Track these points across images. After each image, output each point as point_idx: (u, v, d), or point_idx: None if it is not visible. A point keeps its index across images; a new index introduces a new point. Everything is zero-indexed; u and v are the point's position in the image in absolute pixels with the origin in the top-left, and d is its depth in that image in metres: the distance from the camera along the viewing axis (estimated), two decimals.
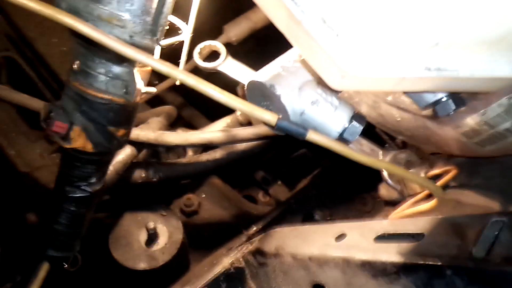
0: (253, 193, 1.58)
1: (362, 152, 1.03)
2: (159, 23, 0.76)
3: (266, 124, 0.65)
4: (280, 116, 0.64)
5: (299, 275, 0.81)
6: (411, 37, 0.48)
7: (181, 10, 1.04)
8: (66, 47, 1.41)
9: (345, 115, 0.67)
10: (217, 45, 1.00)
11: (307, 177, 1.42)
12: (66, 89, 0.82)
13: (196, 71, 0.93)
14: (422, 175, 1.00)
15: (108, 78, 0.79)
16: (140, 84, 0.83)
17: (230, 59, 1.01)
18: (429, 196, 0.89)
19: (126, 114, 0.84)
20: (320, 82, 0.62)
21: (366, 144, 1.09)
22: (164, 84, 1.47)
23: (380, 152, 1.09)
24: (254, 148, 1.32)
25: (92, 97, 0.79)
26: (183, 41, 0.99)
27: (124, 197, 1.31)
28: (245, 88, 0.73)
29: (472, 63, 0.52)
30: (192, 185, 1.46)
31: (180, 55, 1.02)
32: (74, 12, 0.70)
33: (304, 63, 0.67)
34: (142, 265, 1.18)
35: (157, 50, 0.88)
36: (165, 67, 0.68)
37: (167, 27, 0.79)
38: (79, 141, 0.82)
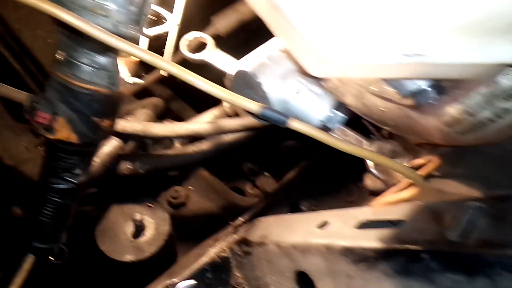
0: (241, 185, 1.58)
1: (344, 140, 1.04)
2: (143, 12, 0.76)
3: (248, 112, 0.66)
4: (262, 105, 0.64)
5: (283, 263, 0.82)
6: (386, 23, 0.49)
7: (169, 2, 1.04)
8: (52, 39, 1.39)
9: (327, 104, 0.67)
10: (203, 36, 1.00)
11: (294, 168, 1.42)
12: (50, 79, 0.82)
13: (186, 65, 0.93)
14: (406, 164, 1.01)
15: (92, 69, 0.79)
16: (124, 74, 0.83)
17: (217, 50, 1.00)
18: (411, 185, 0.90)
19: (111, 105, 0.84)
20: (303, 71, 0.63)
21: (351, 135, 1.10)
22: (152, 76, 1.47)
23: (366, 143, 1.10)
24: (241, 139, 1.33)
25: (76, 87, 0.79)
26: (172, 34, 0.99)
27: (111, 190, 1.31)
28: (229, 77, 0.73)
29: (447, 49, 0.53)
30: (180, 177, 1.47)
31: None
32: (57, 1, 0.70)
33: (287, 52, 0.68)
34: (129, 257, 1.19)
35: (144, 42, 0.88)
36: (148, 56, 0.68)
37: (155, 19, 0.80)
38: (63, 132, 0.82)
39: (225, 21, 1.42)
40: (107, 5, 0.71)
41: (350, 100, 0.97)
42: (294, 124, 0.65)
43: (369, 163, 1.08)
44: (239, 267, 0.94)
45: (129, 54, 0.74)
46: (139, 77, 0.88)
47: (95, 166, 1.11)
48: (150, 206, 1.27)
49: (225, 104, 1.41)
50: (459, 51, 0.54)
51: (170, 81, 1.55)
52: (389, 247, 0.63)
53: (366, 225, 0.71)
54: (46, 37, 1.43)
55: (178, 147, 1.41)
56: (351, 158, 0.77)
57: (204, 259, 0.99)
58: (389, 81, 0.66)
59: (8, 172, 1.30)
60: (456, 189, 0.90)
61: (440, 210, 0.64)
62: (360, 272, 0.66)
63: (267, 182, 1.55)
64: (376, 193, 1.12)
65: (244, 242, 0.92)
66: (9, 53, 1.45)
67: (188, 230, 1.38)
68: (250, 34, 1.49)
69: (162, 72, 0.68)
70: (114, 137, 1.18)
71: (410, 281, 0.60)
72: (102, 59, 0.78)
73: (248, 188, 1.57)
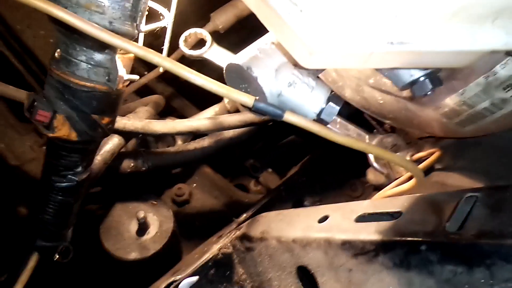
0: (244, 182, 1.59)
1: (341, 133, 1.03)
2: (139, 8, 0.76)
3: (243, 105, 0.66)
4: (257, 98, 0.64)
5: (284, 258, 0.82)
6: (371, 11, 0.48)
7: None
8: (54, 39, 1.40)
9: (322, 96, 0.67)
10: (202, 32, 0.99)
11: (298, 164, 1.42)
12: (49, 77, 0.82)
13: (186, 61, 0.93)
14: (408, 158, 1.01)
15: (90, 66, 0.79)
16: (122, 71, 0.83)
17: (216, 46, 1.00)
18: (411, 178, 0.90)
19: (110, 102, 0.84)
20: (297, 64, 0.63)
21: (352, 129, 1.09)
22: (152, 74, 1.47)
23: (367, 137, 1.09)
24: (242, 135, 1.33)
25: (74, 85, 0.79)
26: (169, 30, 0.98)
27: (115, 188, 1.32)
28: (224, 71, 0.73)
29: (432, 37, 0.52)
30: (183, 174, 1.47)
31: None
32: None
33: (279, 44, 0.68)
34: (133, 255, 1.19)
35: (140, 38, 0.88)
36: (143, 52, 0.68)
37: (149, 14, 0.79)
38: (63, 129, 0.82)
39: (223, 17, 1.42)
40: (102, 2, 0.71)
41: (349, 94, 0.96)
42: (290, 118, 0.65)
43: (371, 157, 1.07)
44: (241, 263, 0.94)
45: (126, 51, 0.74)
46: (135, 73, 0.88)
47: (97, 164, 1.11)
48: (154, 204, 1.27)
49: (225, 100, 1.41)
50: (445, 38, 0.53)
51: (172, 78, 1.56)
52: (388, 240, 0.62)
53: (366, 218, 0.71)
54: (48, 36, 1.44)
55: (180, 144, 1.41)
56: (354, 153, 0.76)
57: (207, 256, 0.99)
58: (384, 73, 0.66)
59: (13, 172, 1.31)
60: (458, 181, 0.89)
61: (439, 201, 0.64)
62: (360, 265, 0.66)
63: (271, 179, 1.55)
64: (379, 188, 1.11)
65: (245, 237, 0.92)
66: (11, 53, 1.47)
67: (193, 227, 1.39)
68: (249, 30, 1.49)
69: (161, 69, 0.68)
70: (116, 135, 1.19)
71: (410, 273, 0.60)
72: (99, 56, 0.78)
73: (252, 184, 1.57)
